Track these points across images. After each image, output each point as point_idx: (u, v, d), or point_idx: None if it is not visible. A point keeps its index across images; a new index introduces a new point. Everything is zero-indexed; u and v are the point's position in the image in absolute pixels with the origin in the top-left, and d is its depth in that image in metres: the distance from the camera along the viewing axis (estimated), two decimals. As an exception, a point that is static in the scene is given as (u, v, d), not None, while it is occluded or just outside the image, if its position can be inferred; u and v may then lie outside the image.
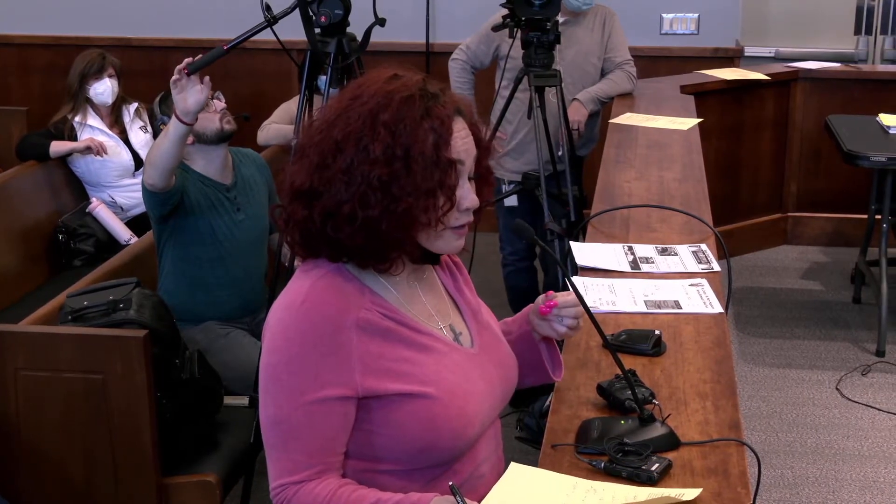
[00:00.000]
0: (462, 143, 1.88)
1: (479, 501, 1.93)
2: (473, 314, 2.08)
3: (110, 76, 5.28)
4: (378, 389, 1.85)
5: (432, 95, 1.87)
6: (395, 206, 1.82)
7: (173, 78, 3.29)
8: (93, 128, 5.27)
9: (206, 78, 3.34)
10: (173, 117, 3.35)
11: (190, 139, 3.65)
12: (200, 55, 3.33)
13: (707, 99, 5.75)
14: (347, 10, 3.63)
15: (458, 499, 1.76)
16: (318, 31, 3.70)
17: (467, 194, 1.90)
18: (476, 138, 1.94)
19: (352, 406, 1.86)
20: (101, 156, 5.18)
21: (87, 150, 5.16)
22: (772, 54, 7.00)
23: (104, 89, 5.26)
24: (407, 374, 1.87)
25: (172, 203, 3.59)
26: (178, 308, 3.50)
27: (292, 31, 3.69)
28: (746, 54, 6.72)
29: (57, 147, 5.16)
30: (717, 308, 2.73)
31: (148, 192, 3.56)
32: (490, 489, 1.98)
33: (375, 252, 1.87)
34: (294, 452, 1.85)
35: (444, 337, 1.98)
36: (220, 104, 3.74)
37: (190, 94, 3.31)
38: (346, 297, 1.87)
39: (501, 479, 1.96)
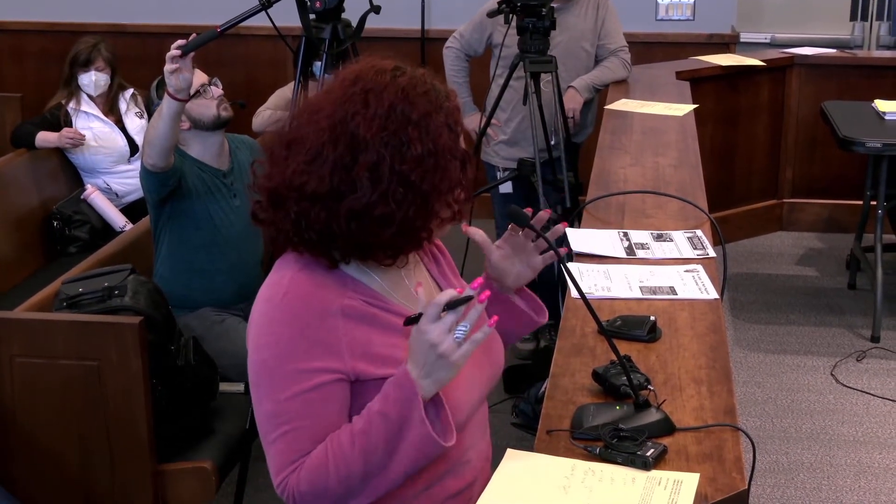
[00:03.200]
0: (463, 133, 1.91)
1: (466, 486, 1.93)
2: None
3: (98, 69, 5.25)
4: (367, 374, 1.85)
5: (438, 88, 1.87)
6: (426, 203, 1.82)
7: (172, 66, 3.28)
8: (87, 114, 5.26)
9: (190, 55, 3.33)
10: (166, 96, 3.35)
11: (186, 125, 3.65)
12: (194, 35, 3.32)
13: (702, 85, 5.74)
14: (342, -5, 3.62)
15: (412, 320, 1.74)
16: (312, 16, 3.69)
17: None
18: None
19: (346, 388, 1.85)
20: (79, 148, 5.16)
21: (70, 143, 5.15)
22: (767, 40, 7.00)
23: (88, 82, 5.24)
24: (394, 359, 1.86)
25: (172, 184, 3.59)
26: (174, 294, 3.50)
27: (287, 16, 3.69)
28: (742, 40, 6.71)
29: (42, 139, 5.14)
30: (713, 294, 2.73)
31: (148, 173, 3.55)
32: (476, 474, 1.98)
33: (396, 247, 1.87)
34: (296, 442, 1.82)
35: None
36: (217, 91, 3.74)
37: (181, 73, 3.31)
38: (327, 287, 1.86)
39: (499, 466, 1.96)
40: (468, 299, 1.72)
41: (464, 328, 1.72)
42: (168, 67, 3.29)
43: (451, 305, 1.70)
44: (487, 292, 1.73)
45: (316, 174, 1.82)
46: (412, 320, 1.74)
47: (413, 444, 1.76)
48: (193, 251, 3.72)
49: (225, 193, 3.75)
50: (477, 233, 2.10)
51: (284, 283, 1.87)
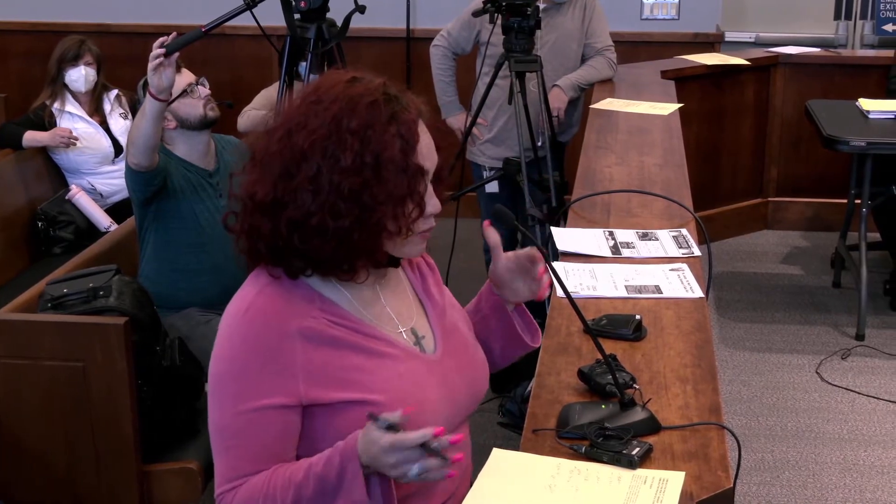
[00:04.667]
0: (426, 147, 1.85)
1: None
2: (440, 318, 2.04)
3: (87, 64, 5.25)
4: (322, 398, 1.83)
5: (395, 99, 1.82)
6: (367, 216, 1.78)
7: (156, 63, 3.27)
8: (72, 115, 5.24)
9: (174, 55, 3.33)
10: (148, 96, 3.34)
11: (173, 124, 3.64)
12: (174, 34, 3.31)
13: (688, 84, 5.76)
14: (327, -5, 3.62)
15: (376, 423, 1.70)
16: (297, 16, 3.69)
17: (430, 199, 1.86)
18: (434, 141, 1.89)
19: (294, 414, 1.83)
20: (70, 147, 5.15)
21: (63, 143, 5.14)
22: (752, 39, 7.01)
23: (78, 76, 5.23)
24: (354, 382, 1.84)
25: (156, 184, 3.58)
26: (159, 294, 3.49)
27: (272, 16, 3.68)
28: (727, 39, 6.73)
29: (29, 138, 5.12)
30: (698, 293, 2.74)
31: (132, 173, 3.54)
32: (449, 495, 1.97)
33: (343, 261, 1.83)
34: (236, 459, 1.83)
35: (401, 342, 1.94)
36: (204, 91, 3.73)
37: (164, 72, 3.31)
38: (291, 306, 1.84)
39: (485, 466, 1.96)
40: (440, 454, 1.68)
41: (419, 468, 1.69)
42: (151, 67, 3.28)
43: (424, 446, 1.67)
44: (461, 455, 1.69)
45: (263, 183, 1.82)
46: (379, 421, 1.70)
47: None
48: (179, 251, 3.70)
49: (211, 193, 3.74)
50: (492, 237, 2.06)
51: (249, 298, 1.86)
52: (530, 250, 2.04)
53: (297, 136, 1.80)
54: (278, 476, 1.80)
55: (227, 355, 1.84)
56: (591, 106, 4.79)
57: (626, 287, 2.77)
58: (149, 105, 3.35)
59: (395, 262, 1.98)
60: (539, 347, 2.43)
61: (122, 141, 5.27)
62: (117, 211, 5.18)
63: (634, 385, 2.20)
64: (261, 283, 1.87)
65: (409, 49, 6.63)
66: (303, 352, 1.82)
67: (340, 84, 1.83)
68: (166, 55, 3.26)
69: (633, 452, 1.95)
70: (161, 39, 3.28)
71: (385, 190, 1.78)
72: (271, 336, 1.81)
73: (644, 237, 3.13)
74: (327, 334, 1.84)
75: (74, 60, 5.23)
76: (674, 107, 4.81)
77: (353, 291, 1.91)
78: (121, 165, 5.26)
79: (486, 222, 2.06)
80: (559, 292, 2.16)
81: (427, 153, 1.85)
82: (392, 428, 1.69)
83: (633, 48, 6.33)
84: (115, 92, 5.41)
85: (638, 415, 2.07)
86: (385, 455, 1.69)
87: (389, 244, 1.86)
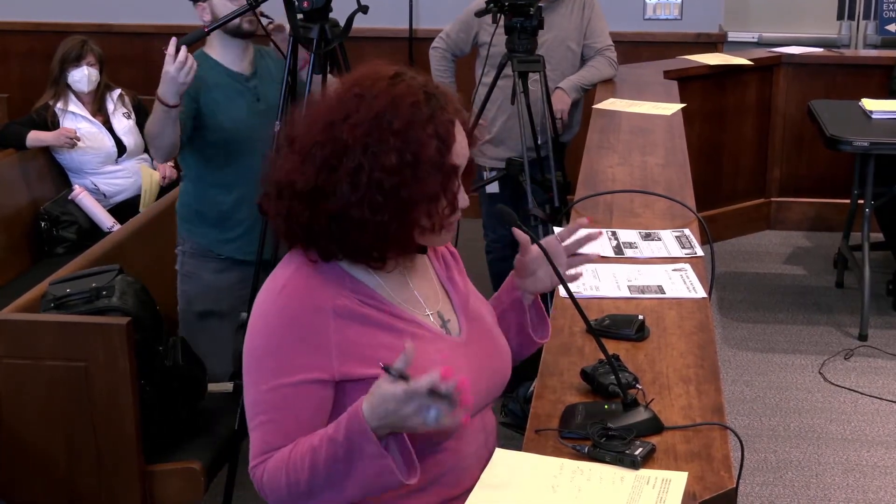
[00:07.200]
0: (460, 146, 1.89)
1: (464, 492, 1.93)
2: (463, 304, 2.08)
3: (89, 64, 5.25)
4: (353, 374, 1.87)
5: (434, 98, 1.87)
6: (404, 212, 1.83)
7: (187, 66, 3.26)
8: (75, 114, 5.25)
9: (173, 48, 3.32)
10: (157, 104, 3.33)
11: (209, 17, 3.59)
12: (173, 39, 3.30)
13: (690, 84, 5.75)
14: (330, -5, 3.61)
15: (391, 372, 1.72)
16: (300, 16, 3.68)
17: (461, 195, 1.92)
18: (467, 135, 1.94)
19: (328, 389, 1.88)
20: (74, 146, 5.16)
21: (63, 143, 5.14)
22: (755, 39, 7.01)
23: (80, 77, 5.23)
24: (384, 360, 1.87)
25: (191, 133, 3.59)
26: (201, 212, 3.62)
27: (274, 16, 3.68)
28: (729, 39, 6.73)
29: (33, 138, 5.13)
30: (701, 293, 2.73)
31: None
32: (475, 481, 1.98)
33: (377, 251, 1.88)
34: (270, 433, 1.88)
35: (429, 324, 1.98)
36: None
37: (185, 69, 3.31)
38: (324, 285, 1.89)
39: (488, 466, 1.96)
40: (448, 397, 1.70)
41: (436, 412, 1.71)
42: (183, 70, 3.25)
43: (433, 392, 1.69)
44: (468, 399, 1.72)
45: (305, 173, 1.85)
46: (392, 371, 1.72)
47: (369, 474, 1.77)
48: (217, 164, 3.65)
49: (248, 97, 3.67)
50: (521, 236, 2.13)
51: (285, 277, 1.91)
52: (578, 224, 2.14)
53: (339, 128, 1.83)
54: (300, 445, 1.84)
55: (262, 332, 1.89)
56: (594, 106, 4.79)
57: (628, 287, 2.77)
58: (161, 112, 3.33)
59: (421, 249, 2.02)
60: (542, 348, 2.44)
61: (126, 141, 5.28)
62: (120, 211, 5.19)
63: (637, 385, 2.20)
64: (295, 264, 1.92)
65: (412, 49, 6.63)
66: (336, 329, 1.87)
67: (384, 80, 1.86)
68: (187, 50, 3.28)
69: (636, 453, 1.95)
70: (171, 50, 3.25)
71: (421, 188, 1.83)
72: (306, 313, 1.86)
73: (647, 237, 3.13)
74: (358, 312, 1.89)
75: (77, 61, 5.23)
76: (676, 107, 4.81)
77: (383, 275, 1.96)
78: (124, 165, 5.29)
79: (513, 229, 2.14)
80: (562, 292, 2.16)
81: (461, 151, 1.89)
82: (403, 378, 1.71)
83: (635, 48, 6.33)
84: (117, 92, 5.41)
85: (641, 415, 2.07)
86: (403, 405, 1.70)
87: (419, 235, 1.91)
